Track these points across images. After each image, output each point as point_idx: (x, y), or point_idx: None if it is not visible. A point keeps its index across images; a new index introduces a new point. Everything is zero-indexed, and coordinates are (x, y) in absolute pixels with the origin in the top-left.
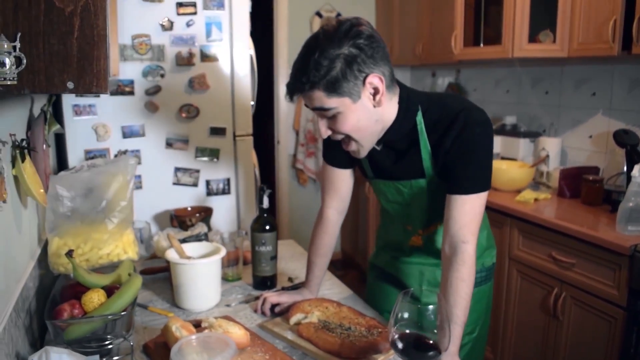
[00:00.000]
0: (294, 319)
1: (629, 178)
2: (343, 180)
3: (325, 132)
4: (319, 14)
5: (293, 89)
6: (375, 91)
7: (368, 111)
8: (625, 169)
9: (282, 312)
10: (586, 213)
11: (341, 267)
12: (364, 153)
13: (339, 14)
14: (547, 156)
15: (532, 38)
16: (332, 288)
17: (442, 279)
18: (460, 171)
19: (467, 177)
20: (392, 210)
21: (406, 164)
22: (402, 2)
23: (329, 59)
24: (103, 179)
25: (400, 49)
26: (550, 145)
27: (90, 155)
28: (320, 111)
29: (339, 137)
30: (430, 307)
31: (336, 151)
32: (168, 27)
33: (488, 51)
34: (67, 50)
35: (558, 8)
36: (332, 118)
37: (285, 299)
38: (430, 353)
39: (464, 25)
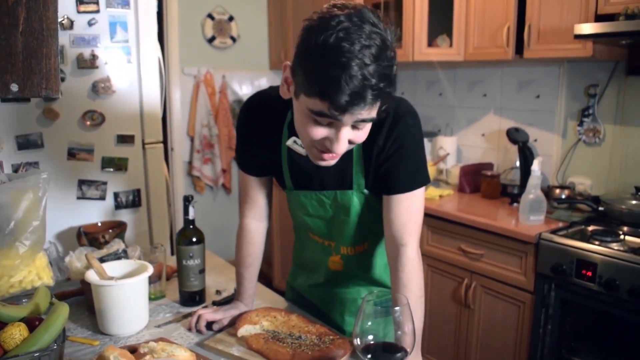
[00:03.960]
0: (242, 331)
1: (522, 172)
2: (259, 188)
3: (345, 145)
4: (210, 16)
5: (378, 94)
6: None
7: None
8: (517, 163)
9: (221, 329)
10: (488, 206)
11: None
12: (334, 163)
13: (231, 17)
14: (448, 154)
15: (431, 42)
16: (264, 298)
17: (392, 279)
18: (396, 169)
19: (402, 174)
20: (313, 225)
21: (332, 171)
22: (296, 5)
23: (394, 59)
24: (10, 197)
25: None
26: (447, 144)
27: None
28: (357, 123)
29: (342, 150)
30: (397, 308)
31: (251, 159)
32: (67, 26)
33: None
34: (10, 46)
35: (454, 14)
36: (358, 129)
37: (221, 315)
38: (398, 355)
39: None
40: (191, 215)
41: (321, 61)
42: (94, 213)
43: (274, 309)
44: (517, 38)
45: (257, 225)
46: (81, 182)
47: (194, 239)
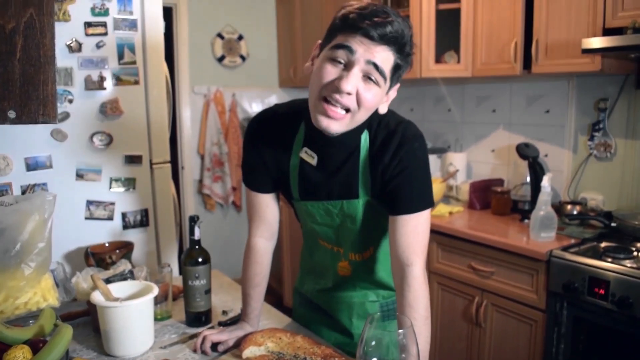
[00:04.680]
0: (247, 352)
1: (533, 188)
2: (267, 205)
3: (353, 88)
4: (220, 36)
5: (393, 34)
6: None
7: (380, 99)
8: (528, 179)
9: (227, 350)
10: (498, 223)
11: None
12: (338, 129)
13: (240, 36)
14: (457, 171)
15: (438, 59)
16: (270, 318)
17: (398, 300)
18: (401, 190)
19: (407, 195)
20: (321, 232)
21: (339, 182)
22: (304, 24)
23: (412, 46)
24: (16, 219)
25: (303, 71)
26: (457, 160)
27: None
28: (371, 69)
29: (346, 103)
30: (401, 331)
31: (258, 175)
32: (76, 48)
33: None
34: (7, 73)
35: (461, 30)
36: (368, 84)
37: (226, 336)
38: None
39: None
40: (197, 236)
41: (341, 12)
42: (102, 233)
43: (279, 330)
44: (524, 53)
45: (265, 243)
46: (89, 203)
47: (200, 259)
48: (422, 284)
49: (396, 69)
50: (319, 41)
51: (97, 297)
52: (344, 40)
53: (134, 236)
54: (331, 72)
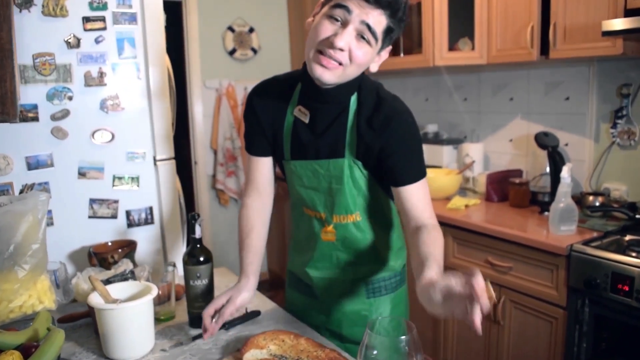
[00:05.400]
0: (248, 356)
1: (552, 179)
2: (262, 170)
3: (346, 44)
4: (231, 29)
5: None
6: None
7: (371, 58)
8: (547, 169)
9: (233, 322)
10: (516, 216)
11: (269, 287)
12: (330, 79)
13: (251, 29)
14: (474, 162)
15: (452, 46)
16: (273, 318)
17: (413, 247)
18: (403, 163)
19: (410, 167)
20: (306, 196)
21: (327, 141)
22: None
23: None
24: (9, 220)
25: (304, 27)
26: (473, 150)
27: None
28: (364, 29)
29: (338, 58)
30: (403, 337)
31: (255, 138)
32: (74, 44)
33: (409, 61)
34: None
35: (475, 16)
36: (361, 42)
37: (221, 300)
38: None
39: None
40: (198, 234)
41: None
42: (106, 232)
43: (282, 332)
44: (542, 38)
45: (257, 202)
46: (92, 201)
47: (202, 259)
48: (439, 234)
49: (388, 31)
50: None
51: (94, 299)
52: (343, 0)
53: (139, 234)
54: (328, 28)
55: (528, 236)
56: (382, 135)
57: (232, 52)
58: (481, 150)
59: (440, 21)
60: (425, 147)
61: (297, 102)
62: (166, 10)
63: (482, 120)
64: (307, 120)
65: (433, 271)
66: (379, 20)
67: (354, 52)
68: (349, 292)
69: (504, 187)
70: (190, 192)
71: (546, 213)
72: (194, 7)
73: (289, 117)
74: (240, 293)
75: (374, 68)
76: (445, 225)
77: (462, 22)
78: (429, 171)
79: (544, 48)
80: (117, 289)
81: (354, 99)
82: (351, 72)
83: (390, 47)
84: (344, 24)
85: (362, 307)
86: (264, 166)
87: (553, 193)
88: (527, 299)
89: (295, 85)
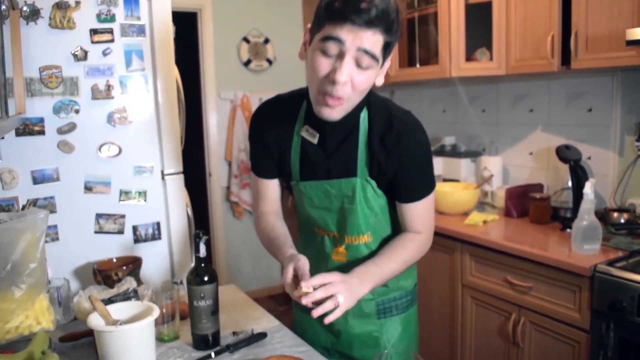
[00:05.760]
0: None
1: (575, 194)
2: (270, 192)
3: (348, 77)
4: (246, 40)
5: (378, 16)
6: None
7: (374, 78)
8: (569, 184)
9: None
10: (537, 233)
11: (284, 302)
12: (338, 116)
13: (267, 39)
14: (492, 176)
15: (469, 57)
16: (282, 341)
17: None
18: (409, 181)
19: (415, 185)
20: (317, 217)
21: (339, 160)
22: None
23: (398, 18)
24: (8, 238)
25: (298, 57)
26: (492, 164)
27: None
28: (362, 55)
29: (342, 94)
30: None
31: (262, 160)
32: (81, 56)
33: (425, 72)
34: None
35: (493, 26)
36: (361, 70)
37: (290, 272)
38: None
39: (398, 46)
40: (202, 253)
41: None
42: (113, 248)
43: (288, 358)
44: (563, 47)
45: (271, 210)
46: (98, 216)
47: (206, 278)
48: (422, 247)
49: (386, 47)
50: (309, 25)
51: (93, 320)
52: (332, 32)
53: (146, 250)
54: (324, 64)
55: (549, 255)
56: (395, 154)
57: (247, 63)
58: (500, 163)
59: (457, 31)
60: (442, 160)
61: (303, 122)
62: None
63: (501, 133)
64: (315, 141)
65: (361, 269)
66: (374, 40)
67: (356, 81)
68: (359, 313)
69: (524, 202)
70: (205, 204)
71: (568, 230)
72: (209, 18)
73: (296, 138)
74: (299, 259)
75: (379, 82)
76: (462, 242)
77: (479, 32)
78: (445, 185)
79: (565, 58)
80: (119, 309)
81: (363, 116)
82: (356, 99)
83: (391, 55)
84: (340, 56)
85: (373, 328)
86: (273, 188)
87: (575, 209)
88: (548, 321)
89: (300, 104)
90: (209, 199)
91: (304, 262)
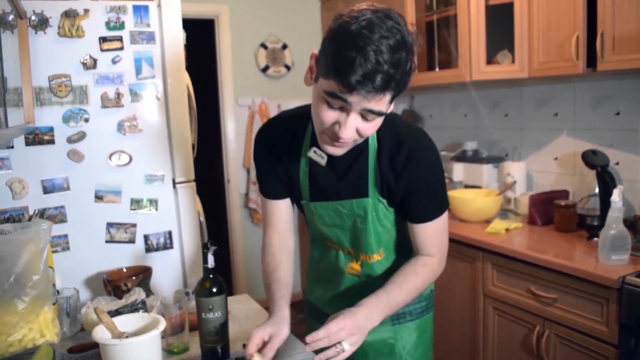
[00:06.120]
0: None
1: (602, 200)
2: (280, 213)
3: (352, 131)
4: (264, 46)
5: (387, 82)
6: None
7: (381, 122)
8: (596, 190)
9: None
10: (562, 242)
11: (302, 310)
12: (344, 151)
13: (284, 45)
14: (515, 182)
15: (490, 59)
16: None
17: (395, 273)
18: (420, 202)
19: (426, 206)
20: (331, 234)
21: (349, 181)
22: None
23: (411, 61)
24: (11, 249)
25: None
26: (515, 169)
27: (5, 215)
28: (366, 113)
29: (348, 142)
30: None
31: (270, 182)
32: (91, 65)
33: (444, 75)
34: None
35: (515, 27)
36: (366, 121)
37: (260, 336)
38: None
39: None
40: (210, 264)
41: (341, 43)
42: (124, 257)
43: None
44: (588, 49)
45: (279, 239)
46: (109, 225)
47: (214, 290)
48: (434, 272)
49: (394, 96)
50: (315, 52)
51: (98, 333)
52: (339, 92)
53: (158, 260)
54: (329, 116)
55: (575, 265)
56: (404, 175)
57: (265, 69)
58: (523, 169)
59: (478, 33)
60: (464, 166)
61: (310, 144)
62: (198, 28)
63: (524, 137)
64: (324, 163)
65: (372, 300)
66: (382, 100)
67: (362, 130)
68: (374, 329)
69: (549, 210)
70: (223, 210)
71: (595, 239)
72: (227, 25)
73: (304, 159)
74: (282, 328)
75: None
76: (484, 250)
77: (500, 34)
78: (467, 192)
79: (591, 60)
80: (126, 321)
81: (372, 136)
82: (363, 139)
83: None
84: (345, 110)
85: (388, 335)
86: (282, 209)
87: (603, 216)
88: (574, 334)
89: (305, 124)
90: (227, 206)
91: (283, 335)
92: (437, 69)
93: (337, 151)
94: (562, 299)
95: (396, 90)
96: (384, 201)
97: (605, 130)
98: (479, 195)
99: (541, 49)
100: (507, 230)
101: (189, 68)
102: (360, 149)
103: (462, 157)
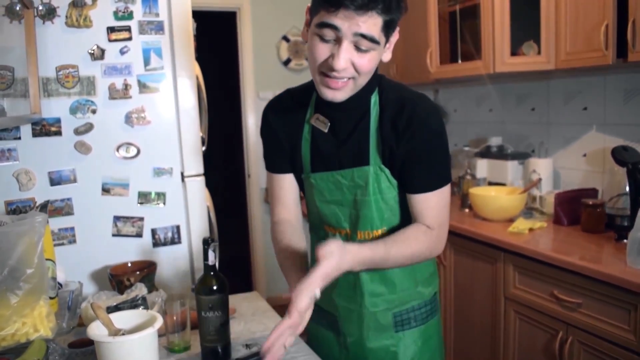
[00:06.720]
0: None
1: (632, 200)
2: (287, 188)
3: (347, 62)
4: (286, 39)
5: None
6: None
7: (378, 58)
8: (627, 189)
9: None
10: (589, 243)
11: None
12: (342, 97)
13: None
14: (540, 179)
15: (515, 51)
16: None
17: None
18: (421, 169)
19: (427, 173)
20: (329, 212)
21: (351, 149)
22: None
23: None
24: (7, 242)
25: (301, 37)
26: (541, 166)
27: (12, 207)
28: (360, 39)
29: (345, 76)
30: None
31: (275, 155)
32: (98, 55)
33: (467, 67)
34: None
35: (541, 16)
36: (361, 53)
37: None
38: None
39: (439, 41)
40: (211, 261)
41: None
42: (130, 251)
43: None
44: (618, 38)
45: (287, 215)
46: (116, 219)
47: (215, 288)
48: (432, 243)
49: (387, 26)
50: (309, 5)
51: (94, 330)
52: (327, 18)
53: (165, 254)
54: (322, 50)
55: (601, 269)
56: (406, 136)
57: (286, 62)
58: (550, 166)
59: (502, 23)
60: (488, 162)
61: (314, 111)
62: (220, 21)
63: (551, 133)
64: (326, 129)
65: (362, 252)
66: (372, 23)
67: (358, 64)
68: (375, 325)
69: (576, 209)
70: (244, 205)
71: (624, 240)
72: (248, 17)
73: (307, 127)
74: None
75: (386, 58)
76: (506, 251)
77: (526, 24)
78: (489, 189)
79: (621, 50)
80: (124, 318)
81: (374, 99)
82: (362, 81)
83: (398, 28)
84: (338, 41)
85: (391, 342)
86: (289, 184)
87: (633, 217)
88: (599, 342)
89: (310, 95)
90: (247, 200)
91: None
92: (459, 61)
93: (336, 95)
94: (587, 304)
95: (385, 13)
96: (387, 171)
97: (637, 125)
98: (502, 193)
99: (568, 39)
100: (530, 230)
101: (210, 62)
102: (362, 113)
103: (486, 153)
